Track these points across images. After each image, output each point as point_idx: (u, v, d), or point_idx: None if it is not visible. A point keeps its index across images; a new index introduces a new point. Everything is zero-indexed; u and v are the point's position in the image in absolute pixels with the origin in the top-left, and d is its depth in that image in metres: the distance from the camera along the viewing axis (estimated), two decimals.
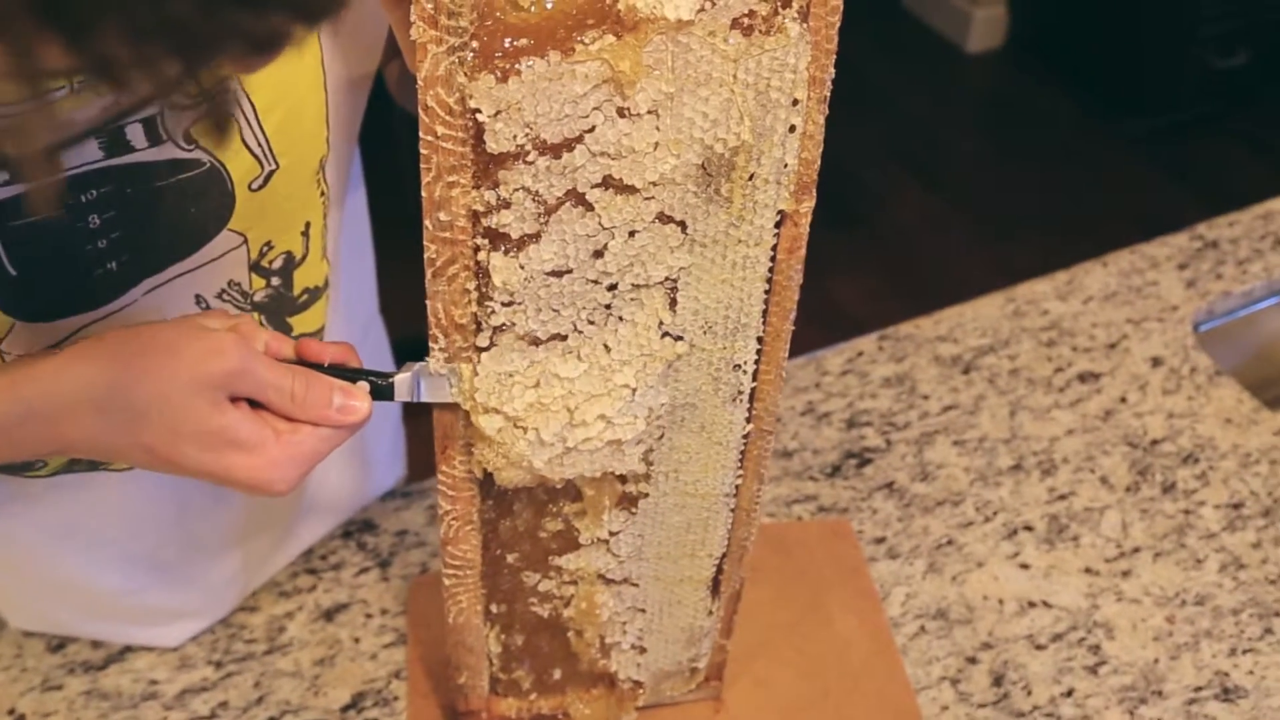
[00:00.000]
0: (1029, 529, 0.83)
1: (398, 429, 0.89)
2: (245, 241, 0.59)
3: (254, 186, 0.57)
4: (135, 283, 0.56)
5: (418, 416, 0.98)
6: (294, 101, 0.57)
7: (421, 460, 0.94)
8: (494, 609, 0.63)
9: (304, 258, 0.62)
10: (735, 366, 0.55)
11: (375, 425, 0.84)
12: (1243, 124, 2.55)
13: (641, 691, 0.69)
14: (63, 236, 0.53)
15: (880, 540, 0.82)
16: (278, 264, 0.61)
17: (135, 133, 0.52)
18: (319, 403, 0.52)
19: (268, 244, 0.60)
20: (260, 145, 0.56)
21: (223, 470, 0.51)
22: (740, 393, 0.56)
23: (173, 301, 0.59)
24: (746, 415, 0.57)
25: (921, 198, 2.43)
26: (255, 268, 0.61)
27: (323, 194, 0.62)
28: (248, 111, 0.55)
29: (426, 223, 0.48)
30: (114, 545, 0.70)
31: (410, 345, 1.03)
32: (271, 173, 0.57)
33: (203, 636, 0.76)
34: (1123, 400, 0.92)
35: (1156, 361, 0.94)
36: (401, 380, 0.53)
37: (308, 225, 0.62)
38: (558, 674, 0.67)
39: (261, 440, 0.50)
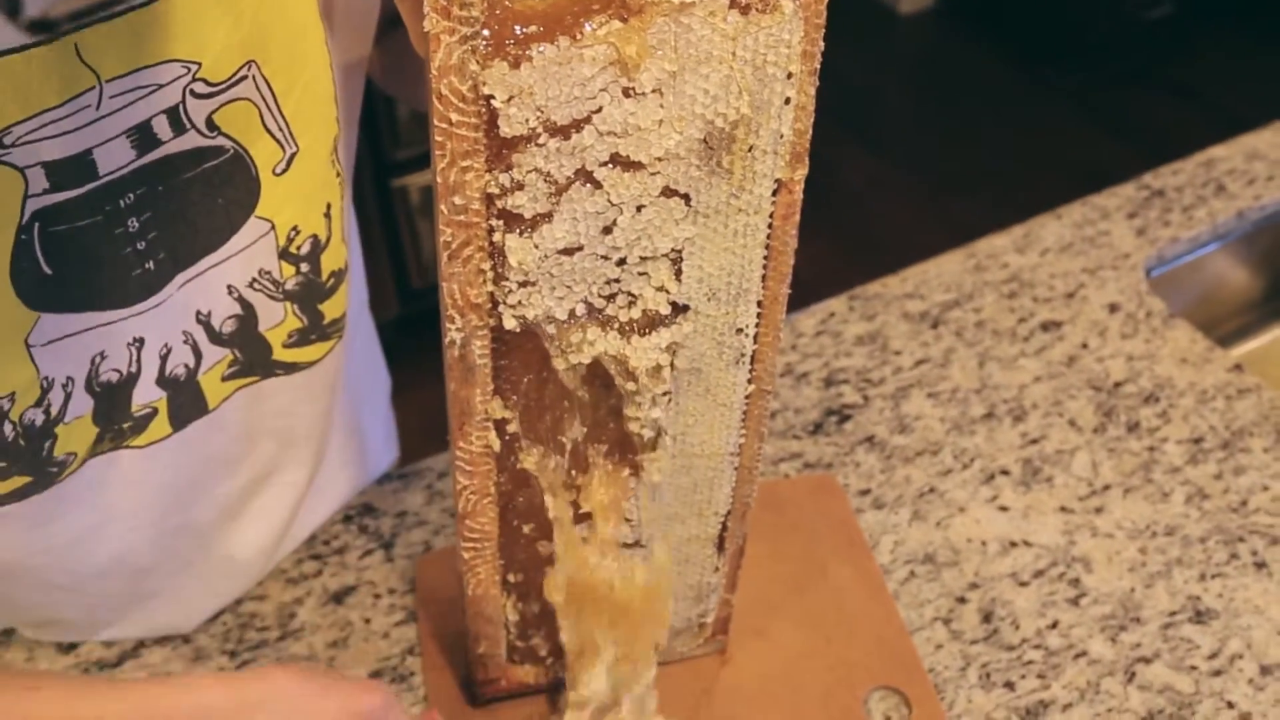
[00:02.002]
0: (1005, 473, 0.87)
1: (389, 413, 0.91)
2: (273, 228, 0.61)
3: (278, 171, 0.59)
4: (170, 278, 0.58)
5: (406, 399, 1.00)
6: (307, 81, 0.58)
7: (411, 443, 0.96)
8: (511, 579, 0.65)
9: (328, 241, 0.64)
10: (738, 330, 0.57)
11: (370, 410, 0.86)
12: (1170, 73, 2.62)
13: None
14: (103, 241, 0.54)
15: (865, 492, 0.85)
16: (305, 249, 0.63)
17: (160, 124, 0.54)
18: None
19: (294, 229, 0.62)
20: (281, 129, 0.58)
21: None
22: (743, 355, 0.58)
23: (206, 294, 0.60)
24: (748, 376, 0.60)
25: (864, 160, 2.48)
26: (284, 254, 0.62)
27: (338, 174, 0.63)
28: (268, 96, 0.56)
29: (441, 207, 0.50)
30: (116, 539, 0.71)
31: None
32: (293, 155, 0.59)
33: (214, 628, 0.78)
34: (1084, 346, 0.96)
35: (1113, 308, 0.99)
36: None
37: (329, 207, 0.63)
38: None
39: None
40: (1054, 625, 0.78)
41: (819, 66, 0.51)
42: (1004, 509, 0.84)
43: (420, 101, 0.73)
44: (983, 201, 2.32)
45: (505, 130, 0.48)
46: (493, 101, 0.47)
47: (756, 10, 0.48)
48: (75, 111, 0.51)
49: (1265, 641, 0.77)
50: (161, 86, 0.53)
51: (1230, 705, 0.74)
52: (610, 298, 0.54)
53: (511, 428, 0.58)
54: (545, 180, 0.50)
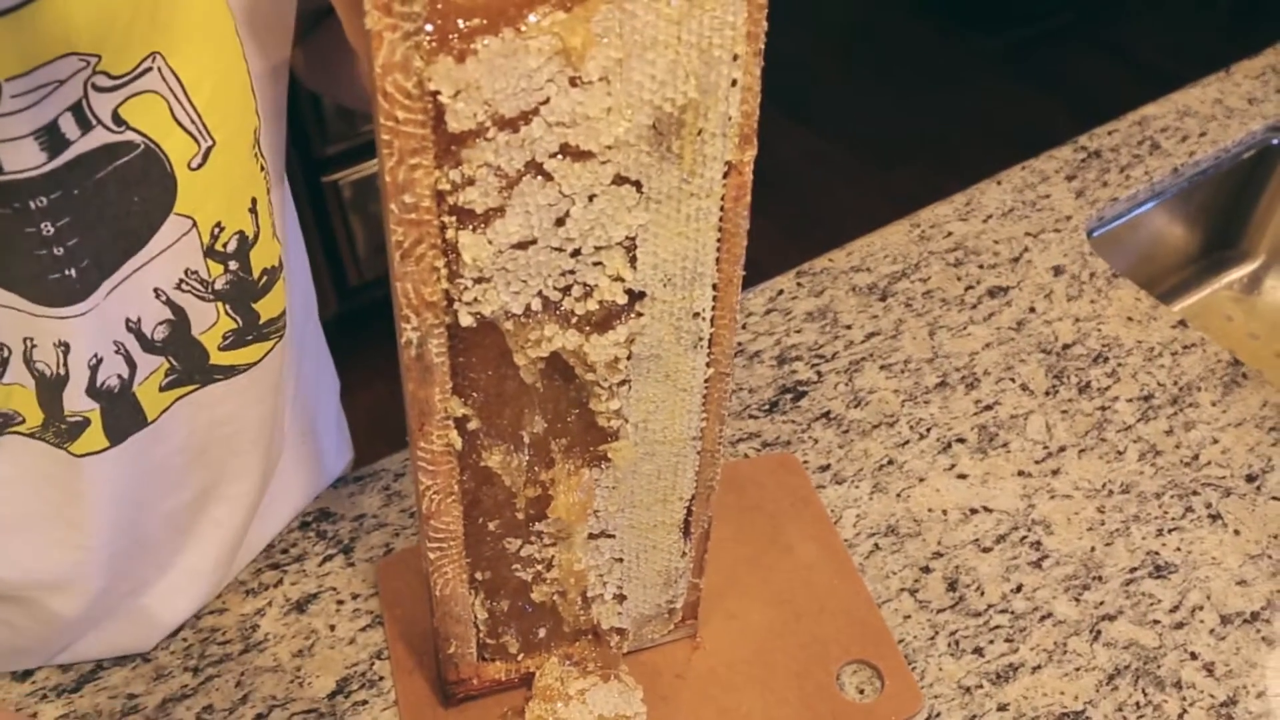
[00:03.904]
0: (961, 441, 0.87)
1: (341, 415, 0.89)
2: (195, 225, 0.59)
3: (194, 165, 0.57)
4: (96, 286, 0.56)
5: (350, 399, 0.98)
6: (219, 74, 0.57)
7: (357, 444, 0.95)
8: (478, 577, 0.64)
9: (256, 237, 0.62)
10: (694, 315, 0.57)
11: (322, 413, 0.84)
12: (1098, 31, 2.66)
13: (624, 639, 0.71)
14: (15, 234, 0.52)
15: (825, 468, 0.86)
16: (232, 246, 0.61)
17: (67, 122, 0.52)
18: None
19: (218, 225, 0.60)
20: (194, 122, 0.56)
21: None
22: (700, 339, 0.58)
23: (134, 300, 0.58)
24: (707, 360, 0.59)
25: (799, 135, 2.48)
26: (210, 253, 0.60)
27: (262, 168, 0.62)
28: (176, 89, 0.55)
29: (391, 206, 0.49)
30: (63, 553, 0.69)
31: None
32: (210, 149, 0.57)
33: (174, 644, 0.76)
34: (1031, 310, 0.97)
35: (1058, 270, 1.00)
36: None
37: (254, 201, 0.61)
38: (542, 633, 0.69)
39: None
40: (1018, 589, 0.78)
41: (763, 47, 0.51)
42: (962, 476, 0.85)
43: (346, 97, 0.72)
44: (920, 169, 2.33)
45: (453, 126, 0.47)
46: (439, 97, 0.46)
47: None
48: None
49: (1223, 592, 0.78)
50: (62, 83, 0.51)
51: (1194, 656, 0.75)
52: (566, 289, 0.54)
53: (472, 425, 0.57)
54: (496, 174, 0.49)
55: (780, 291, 0.99)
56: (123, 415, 0.63)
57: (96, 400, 0.61)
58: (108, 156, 0.54)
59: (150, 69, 0.54)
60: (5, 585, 0.66)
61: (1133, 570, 0.79)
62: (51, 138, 0.52)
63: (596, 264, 0.53)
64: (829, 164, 2.40)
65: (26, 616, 0.70)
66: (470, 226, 0.50)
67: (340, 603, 0.78)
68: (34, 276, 0.54)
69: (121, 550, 0.69)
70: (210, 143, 0.58)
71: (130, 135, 0.55)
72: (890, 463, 0.86)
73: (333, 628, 0.77)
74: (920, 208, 1.06)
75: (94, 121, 0.53)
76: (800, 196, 2.29)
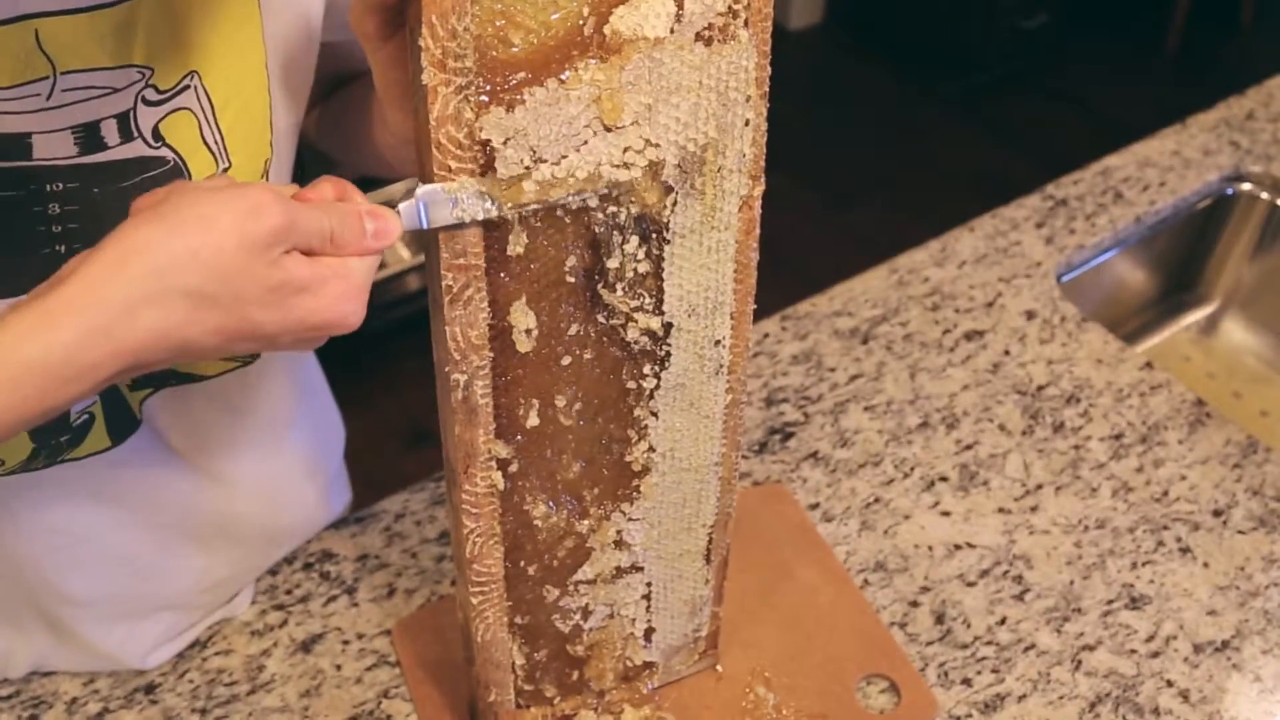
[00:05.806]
0: (944, 479, 0.91)
1: (340, 460, 0.91)
2: None
3: None
4: None
5: (359, 451, 0.99)
6: (244, 100, 0.59)
7: (360, 492, 0.96)
8: (519, 621, 0.66)
9: None
10: (716, 342, 0.60)
11: (325, 454, 0.86)
12: (1046, 79, 2.74)
13: (654, 674, 0.73)
14: (18, 218, 0.54)
15: (814, 506, 0.89)
16: None
17: (109, 129, 0.54)
18: (354, 234, 0.51)
19: None
20: (217, 142, 0.59)
21: (297, 321, 0.49)
22: (721, 366, 0.61)
23: None
24: (726, 386, 0.62)
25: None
26: None
27: None
28: (206, 108, 0.57)
29: (443, 253, 0.51)
30: (67, 580, 0.71)
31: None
32: (225, 170, 0.60)
33: (181, 686, 0.77)
34: (1006, 353, 1.01)
35: (1030, 315, 1.04)
36: (406, 207, 0.51)
37: None
38: (576, 676, 0.71)
39: (321, 278, 0.49)
40: (1002, 621, 0.82)
41: (768, 90, 0.55)
42: (946, 514, 0.88)
43: (354, 157, 0.74)
44: (877, 208, 2.39)
45: (503, 171, 0.50)
46: (490, 145, 0.49)
47: (718, 41, 0.51)
48: (23, 97, 0.51)
49: (1195, 622, 0.82)
50: (117, 91, 0.54)
51: (1169, 684, 0.78)
52: (601, 324, 0.57)
53: (513, 467, 0.59)
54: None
55: (766, 335, 1.02)
56: (119, 415, 0.65)
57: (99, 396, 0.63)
58: (139, 169, 0.56)
59: (189, 86, 0.57)
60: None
61: (1110, 602, 0.83)
62: (89, 136, 0.54)
63: (628, 297, 0.56)
64: (792, 204, 2.44)
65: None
66: None
67: (345, 642, 0.80)
68: (28, 260, 0.56)
69: (157, 526, 0.72)
70: (226, 164, 0.60)
71: (164, 151, 0.57)
72: (876, 500, 0.89)
73: (339, 667, 0.78)
74: (881, 247, 1.10)
75: (136, 134, 0.56)
76: (765, 236, 2.34)
